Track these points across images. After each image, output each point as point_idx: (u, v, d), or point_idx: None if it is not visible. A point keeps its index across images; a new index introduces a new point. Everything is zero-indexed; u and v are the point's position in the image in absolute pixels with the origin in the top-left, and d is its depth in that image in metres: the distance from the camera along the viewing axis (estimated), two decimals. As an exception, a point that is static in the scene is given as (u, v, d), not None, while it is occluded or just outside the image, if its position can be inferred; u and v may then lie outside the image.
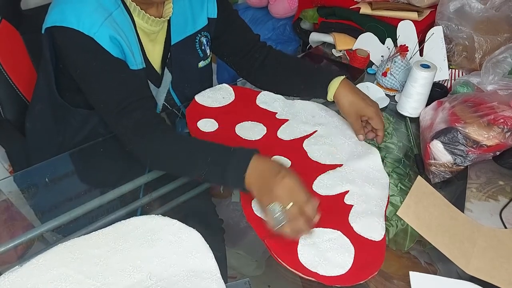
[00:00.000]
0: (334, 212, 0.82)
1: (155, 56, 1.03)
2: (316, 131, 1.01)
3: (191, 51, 1.07)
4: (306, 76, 1.06)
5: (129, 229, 0.77)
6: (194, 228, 0.77)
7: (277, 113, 1.06)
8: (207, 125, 1.00)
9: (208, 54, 1.12)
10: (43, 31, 0.88)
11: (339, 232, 0.78)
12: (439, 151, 0.91)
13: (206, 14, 1.08)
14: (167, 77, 1.06)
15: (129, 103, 0.86)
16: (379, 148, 1.00)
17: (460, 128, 0.91)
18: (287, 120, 1.04)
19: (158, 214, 0.79)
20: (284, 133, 1.00)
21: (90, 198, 0.86)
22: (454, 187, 0.94)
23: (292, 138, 0.99)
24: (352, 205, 0.84)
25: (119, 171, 0.96)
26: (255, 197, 0.77)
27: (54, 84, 0.96)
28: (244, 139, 0.98)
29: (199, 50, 1.09)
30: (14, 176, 0.95)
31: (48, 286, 0.68)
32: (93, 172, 0.97)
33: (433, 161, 0.92)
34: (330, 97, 1.01)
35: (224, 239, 0.82)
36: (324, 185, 0.88)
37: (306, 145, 0.98)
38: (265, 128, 1.01)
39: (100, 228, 0.77)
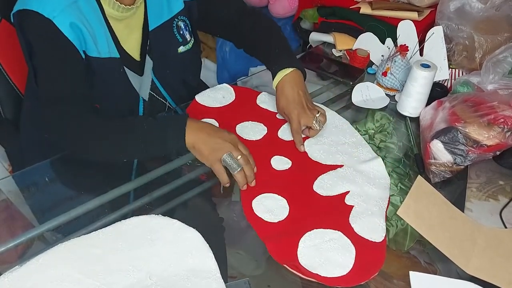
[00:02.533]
0: (335, 213, 0.82)
1: (133, 44, 1.02)
2: None
3: (169, 36, 1.07)
4: (271, 55, 1.06)
5: (129, 228, 0.77)
6: (194, 227, 0.77)
7: (277, 113, 1.06)
8: None
9: (188, 39, 1.10)
10: (12, 20, 0.90)
11: (339, 232, 0.78)
12: (439, 151, 0.91)
13: None
14: (149, 64, 1.06)
15: (64, 95, 0.88)
16: (379, 148, 1.01)
17: (460, 127, 0.90)
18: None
19: (158, 214, 0.80)
20: (285, 133, 1.00)
21: (90, 198, 0.86)
22: (454, 187, 0.94)
23: (292, 139, 0.99)
24: (353, 206, 0.84)
25: (119, 170, 0.96)
26: (201, 152, 0.84)
27: (34, 77, 0.96)
28: (245, 139, 0.97)
29: (177, 35, 1.08)
30: (14, 176, 0.95)
31: (48, 286, 0.68)
32: (93, 171, 0.97)
33: (433, 160, 0.92)
34: (273, 86, 1.02)
35: (224, 238, 0.82)
36: (324, 185, 0.88)
37: (306, 145, 0.97)
38: (266, 128, 1.01)
39: (100, 228, 0.77)
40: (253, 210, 0.81)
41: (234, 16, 1.13)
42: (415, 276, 0.73)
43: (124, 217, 0.79)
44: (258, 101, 1.10)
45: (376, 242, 0.77)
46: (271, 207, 0.81)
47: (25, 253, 0.78)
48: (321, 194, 0.86)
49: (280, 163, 0.92)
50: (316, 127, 0.97)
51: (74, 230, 0.80)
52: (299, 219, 0.80)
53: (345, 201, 0.85)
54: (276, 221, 0.80)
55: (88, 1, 0.91)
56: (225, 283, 0.70)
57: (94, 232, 0.76)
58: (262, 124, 1.02)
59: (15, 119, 1.14)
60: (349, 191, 0.86)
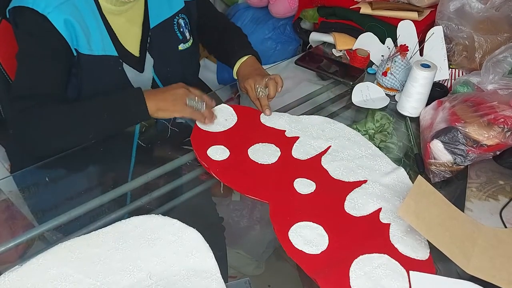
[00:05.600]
0: (374, 234, 0.80)
1: (132, 40, 1.03)
2: (330, 146, 0.98)
3: (170, 34, 1.08)
4: (230, 54, 1.16)
5: (129, 228, 0.77)
6: (194, 227, 0.77)
7: (285, 131, 1.02)
8: (218, 153, 0.94)
9: (188, 38, 1.12)
10: (8, 16, 0.92)
11: (386, 256, 0.76)
12: (439, 151, 0.91)
13: None
14: (149, 61, 1.06)
15: (36, 93, 0.89)
16: (379, 148, 1.00)
17: (460, 127, 0.90)
18: (298, 137, 1.00)
19: (158, 214, 0.80)
20: (299, 152, 0.97)
21: (90, 198, 0.86)
22: (454, 187, 0.94)
23: (308, 157, 0.96)
24: (389, 223, 0.82)
25: (119, 170, 0.96)
26: (167, 108, 0.93)
27: None
28: (260, 163, 0.93)
29: (178, 33, 1.10)
30: (14, 176, 0.95)
31: (48, 286, 0.68)
32: (93, 171, 0.97)
33: (433, 160, 0.92)
34: (234, 75, 1.14)
35: (224, 237, 0.82)
36: (355, 205, 0.85)
37: (324, 162, 0.94)
38: (278, 149, 0.97)
39: (100, 228, 0.77)
40: (291, 243, 0.77)
41: (218, 26, 1.22)
42: (415, 276, 0.73)
43: (124, 217, 0.79)
44: (262, 120, 1.05)
45: (423, 260, 0.76)
46: (309, 238, 0.78)
47: (25, 252, 0.78)
48: (355, 216, 0.83)
49: (304, 185, 0.89)
50: (267, 81, 1.04)
51: (74, 230, 0.80)
52: (341, 247, 0.77)
53: (380, 219, 0.83)
54: (318, 252, 0.76)
55: None
56: (225, 283, 0.70)
57: (94, 232, 0.76)
58: (273, 145, 0.98)
59: (15, 119, 1.14)
60: (381, 208, 0.85)
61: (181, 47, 1.11)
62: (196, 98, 0.95)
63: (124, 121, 0.93)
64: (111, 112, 0.90)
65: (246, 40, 1.21)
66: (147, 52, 1.05)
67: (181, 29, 1.10)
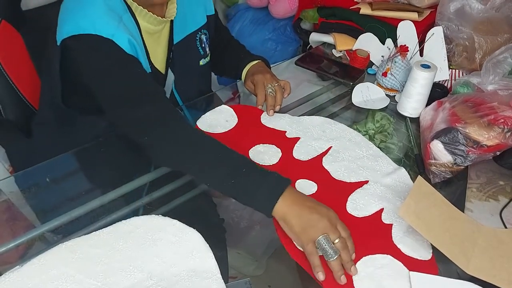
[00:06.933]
0: (377, 235, 0.80)
1: (159, 58, 1.03)
2: (331, 147, 0.98)
3: (192, 49, 1.09)
4: (238, 59, 1.16)
5: (129, 229, 0.77)
6: (194, 228, 0.77)
7: (286, 132, 1.02)
8: None
9: (208, 52, 1.14)
10: (58, 43, 0.87)
11: (389, 256, 0.76)
12: (439, 151, 0.91)
13: (205, 12, 1.10)
14: (170, 77, 1.07)
15: (142, 96, 0.86)
16: (379, 148, 1.00)
17: (460, 128, 0.91)
18: (299, 138, 1.00)
19: (158, 214, 0.80)
20: (300, 153, 0.96)
21: (91, 198, 0.86)
22: (454, 187, 0.94)
23: (309, 158, 0.96)
24: (392, 224, 0.82)
25: (120, 171, 0.96)
26: (292, 227, 0.73)
27: (60, 94, 0.96)
28: (261, 164, 0.92)
29: (199, 48, 1.10)
30: (15, 176, 0.96)
31: (48, 286, 0.68)
32: (93, 172, 0.97)
33: (433, 161, 0.93)
34: (242, 77, 1.12)
35: (225, 238, 0.82)
36: (357, 206, 0.85)
37: (325, 163, 0.94)
38: (279, 150, 0.97)
39: (101, 228, 0.77)
40: (294, 244, 0.76)
41: (223, 42, 1.21)
42: (415, 276, 0.73)
43: (125, 217, 0.79)
44: (263, 121, 1.05)
45: (426, 260, 0.76)
46: None
47: (26, 253, 0.78)
48: (357, 216, 0.83)
49: (306, 187, 0.88)
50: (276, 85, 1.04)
51: (75, 230, 0.80)
52: None
53: (382, 219, 0.83)
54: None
55: (129, 17, 0.91)
56: (225, 283, 0.70)
57: (94, 232, 0.76)
58: (274, 145, 0.98)
59: (16, 120, 1.14)
60: (383, 208, 0.85)
61: (201, 62, 1.12)
62: (337, 240, 0.71)
63: (245, 197, 0.77)
64: (243, 179, 0.77)
65: (248, 51, 1.22)
66: (169, 68, 1.06)
67: (203, 45, 1.11)
